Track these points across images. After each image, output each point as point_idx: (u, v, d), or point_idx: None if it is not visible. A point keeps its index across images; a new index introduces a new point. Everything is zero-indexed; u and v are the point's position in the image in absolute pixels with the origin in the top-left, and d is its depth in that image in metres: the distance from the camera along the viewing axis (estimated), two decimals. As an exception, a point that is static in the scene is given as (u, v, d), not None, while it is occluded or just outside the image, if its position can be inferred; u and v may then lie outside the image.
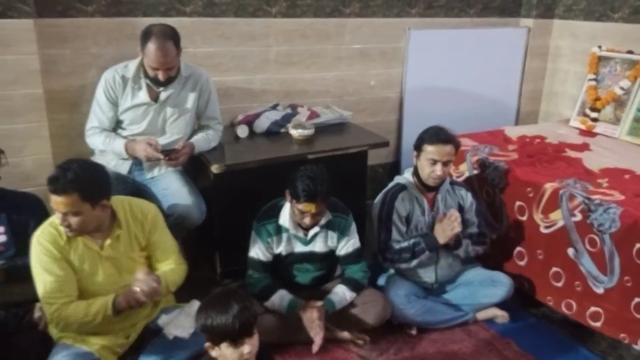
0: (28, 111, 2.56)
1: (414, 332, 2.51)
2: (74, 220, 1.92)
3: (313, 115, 3.18)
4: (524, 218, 2.67)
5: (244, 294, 1.71)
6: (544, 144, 3.11)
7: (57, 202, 1.89)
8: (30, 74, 2.53)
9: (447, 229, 2.45)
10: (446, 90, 3.80)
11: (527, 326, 2.60)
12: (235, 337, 1.60)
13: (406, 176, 2.66)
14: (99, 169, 2.04)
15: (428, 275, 2.61)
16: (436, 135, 2.47)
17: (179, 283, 2.23)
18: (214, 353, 1.66)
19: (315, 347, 2.27)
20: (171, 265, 2.21)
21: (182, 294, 2.32)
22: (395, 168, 3.82)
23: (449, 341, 2.47)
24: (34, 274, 2.00)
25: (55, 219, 2.03)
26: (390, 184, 2.67)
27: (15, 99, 2.52)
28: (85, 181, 1.90)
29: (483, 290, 2.58)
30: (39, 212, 2.32)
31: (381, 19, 3.51)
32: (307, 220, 2.30)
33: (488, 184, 2.85)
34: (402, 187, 2.60)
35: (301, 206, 2.24)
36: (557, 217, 2.50)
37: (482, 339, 2.48)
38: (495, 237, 2.81)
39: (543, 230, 2.57)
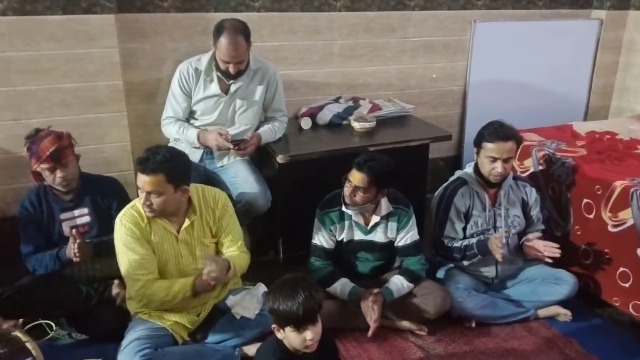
0: (110, 101, 2.75)
1: (472, 325, 2.52)
2: (156, 201, 2.06)
3: (375, 108, 3.23)
4: (591, 216, 2.61)
5: (311, 281, 1.78)
6: (615, 140, 3.01)
7: (144, 181, 2.03)
8: (112, 67, 2.71)
9: (497, 248, 2.39)
10: (512, 84, 3.73)
11: (591, 326, 2.54)
12: (298, 323, 1.68)
13: (467, 171, 2.65)
14: (184, 155, 2.20)
15: (488, 271, 2.60)
16: (495, 132, 2.44)
17: (244, 269, 2.36)
18: (279, 335, 1.75)
19: (370, 332, 2.32)
20: (236, 252, 2.32)
21: (248, 278, 2.47)
22: (457, 162, 3.81)
23: (509, 337, 2.46)
24: (118, 254, 2.17)
25: (137, 202, 2.20)
26: (451, 178, 2.67)
27: (98, 90, 2.71)
28: (171, 164, 2.05)
29: (546, 288, 2.55)
30: (120, 195, 2.50)
31: (446, 12, 3.49)
32: (346, 190, 2.35)
33: (554, 181, 2.80)
34: (462, 182, 2.60)
35: (350, 174, 2.31)
36: (627, 216, 2.43)
37: (543, 337, 2.46)
38: (560, 234, 2.76)
39: (611, 229, 2.51)
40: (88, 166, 2.52)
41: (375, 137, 2.97)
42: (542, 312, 2.57)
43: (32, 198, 2.39)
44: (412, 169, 2.95)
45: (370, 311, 2.34)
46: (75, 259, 2.28)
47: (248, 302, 2.28)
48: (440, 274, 2.65)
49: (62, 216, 2.41)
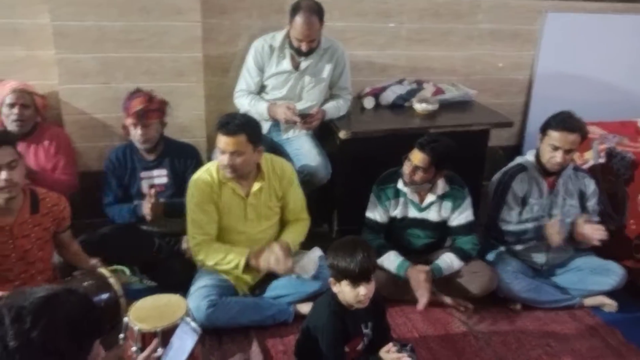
0: (189, 72, 2.96)
1: (517, 307, 2.59)
2: (237, 161, 2.25)
3: (438, 91, 3.30)
4: (647, 211, 2.60)
5: (369, 246, 1.94)
6: (680, 139, 2.96)
7: (227, 142, 2.22)
8: (194, 40, 2.90)
9: (555, 233, 2.45)
10: (579, 77, 3.69)
11: (635, 318, 2.56)
12: (354, 278, 1.84)
13: (528, 157, 2.69)
14: (257, 120, 2.39)
15: (539, 257, 2.65)
16: (563, 122, 2.47)
17: (303, 238, 2.54)
18: (335, 288, 1.92)
19: (419, 306, 2.43)
20: (298, 222, 2.53)
21: (303, 246, 2.63)
22: (516, 151, 3.79)
23: (552, 321, 2.52)
24: (187, 211, 2.40)
25: (210, 166, 2.41)
26: (511, 164, 2.72)
27: (180, 61, 2.92)
28: (250, 125, 2.27)
29: (594, 278, 2.58)
30: (196, 160, 2.73)
31: (518, 0, 3.49)
32: (406, 169, 2.44)
33: (612, 174, 2.80)
34: (522, 168, 2.64)
35: (411, 154, 2.42)
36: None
37: (586, 324, 2.50)
38: (614, 228, 2.76)
39: (667, 226, 2.50)
40: (165, 131, 2.75)
41: (436, 120, 3.05)
42: (588, 301, 2.61)
43: (119, 153, 2.66)
44: (470, 155, 2.97)
45: (420, 286, 2.43)
46: (148, 218, 2.53)
47: (305, 264, 2.46)
48: (491, 256, 2.72)
49: (143, 174, 2.67)
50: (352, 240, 1.93)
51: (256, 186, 2.39)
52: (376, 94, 3.26)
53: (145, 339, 1.74)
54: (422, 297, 2.42)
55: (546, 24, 3.54)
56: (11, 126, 2.54)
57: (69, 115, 2.88)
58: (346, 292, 1.88)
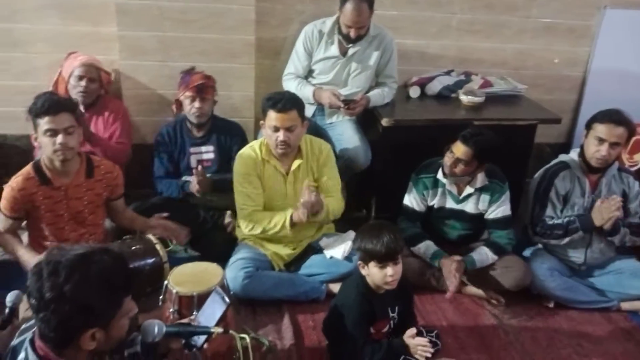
0: (242, 54, 3.06)
1: (551, 305, 2.57)
2: (291, 136, 2.36)
3: (486, 84, 3.26)
4: (694, 217, 2.51)
5: (395, 227, 1.99)
6: None
7: (283, 119, 2.33)
8: (247, 23, 3.00)
9: (605, 212, 2.42)
10: (635, 76, 3.55)
11: (674, 327, 2.50)
12: (381, 259, 1.90)
13: (572, 155, 2.65)
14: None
15: (577, 256, 2.61)
16: (609, 115, 2.43)
17: (337, 214, 2.60)
18: (363, 271, 1.98)
19: (448, 295, 2.45)
20: (333, 198, 2.57)
21: (339, 229, 2.71)
22: (564, 150, 3.64)
23: (586, 321, 2.49)
24: (234, 185, 2.51)
25: (254, 143, 2.52)
26: (554, 161, 2.69)
27: (233, 43, 3.03)
28: (298, 100, 2.41)
29: (633, 282, 2.53)
30: (242, 138, 2.86)
31: (576, -6, 3.40)
32: (447, 160, 2.44)
33: (663, 177, 2.71)
34: (565, 166, 2.61)
35: (453, 146, 2.42)
36: None
37: (621, 328, 2.46)
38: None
39: None
40: (216, 110, 2.88)
41: (481, 112, 3.03)
42: (625, 305, 2.56)
43: (170, 129, 2.81)
44: (515, 150, 2.93)
45: (451, 276, 2.45)
46: (196, 194, 2.67)
47: (339, 245, 2.53)
48: (527, 252, 2.70)
49: (192, 150, 2.81)
50: (378, 223, 2.00)
51: (295, 164, 2.48)
52: (423, 83, 3.27)
53: (182, 301, 1.86)
54: (452, 285, 2.43)
55: (604, 20, 3.42)
56: (75, 97, 2.71)
57: (128, 90, 3.04)
58: (374, 273, 1.94)
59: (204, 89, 2.68)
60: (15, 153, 3.09)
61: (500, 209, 2.56)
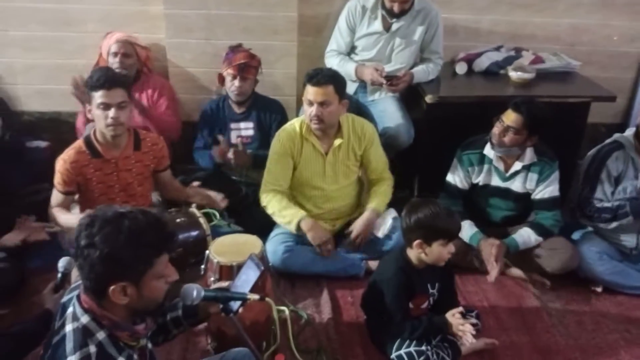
0: (284, 31, 3.06)
1: (599, 289, 2.49)
2: (325, 112, 2.34)
3: (537, 60, 3.14)
4: None
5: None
6: None
7: (316, 93, 2.31)
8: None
9: None
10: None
11: None
12: (451, 237, 1.90)
13: (627, 135, 2.53)
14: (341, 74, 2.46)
15: (629, 240, 2.51)
16: None
17: (389, 198, 2.59)
18: (419, 250, 1.93)
19: (489, 279, 2.39)
20: (382, 182, 2.58)
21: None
22: (620, 130, 3.44)
23: (635, 307, 2.40)
24: (268, 161, 2.53)
25: (295, 120, 2.52)
26: (608, 140, 2.58)
27: (276, 20, 3.03)
28: (337, 77, 2.37)
29: (689, 268, 2.40)
30: (282, 116, 2.89)
31: (634, -34, 3.20)
32: (496, 130, 2.38)
33: None
34: (619, 146, 2.49)
35: (504, 115, 2.35)
36: None
37: (675, 315, 2.36)
38: None
39: None
40: (258, 87, 2.90)
41: (531, 89, 2.92)
42: (680, 292, 2.44)
43: (213, 105, 2.88)
44: (566, 129, 2.80)
45: (491, 261, 2.38)
46: (235, 165, 2.71)
47: (379, 223, 2.52)
48: (576, 235, 2.61)
49: (232, 125, 2.86)
50: (432, 201, 1.97)
51: (336, 143, 2.46)
52: (470, 59, 3.17)
53: (222, 271, 1.91)
54: (493, 270, 2.37)
55: (667, -8, 3.21)
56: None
57: (174, 68, 3.11)
58: (437, 251, 1.92)
59: (246, 68, 2.69)
60: (69, 129, 3.23)
61: (549, 189, 2.47)
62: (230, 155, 2.68)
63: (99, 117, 2.17)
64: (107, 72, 2.21)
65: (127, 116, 2.21)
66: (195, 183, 2.57)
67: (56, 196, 2.32)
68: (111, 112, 2.14)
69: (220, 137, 2.75)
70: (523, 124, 2.32)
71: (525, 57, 3.16)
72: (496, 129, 2.40)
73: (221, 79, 2.80)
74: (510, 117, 2.34)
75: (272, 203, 2.47)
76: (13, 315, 2.13)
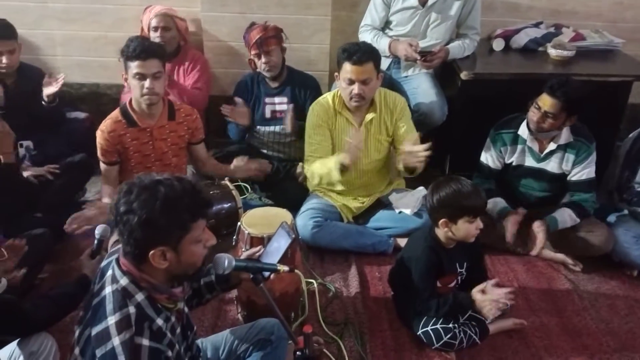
0: (318, 5, 3.03)
1: (634, 274, 2.43)
2: (366, 89, 2.33)
3: (578, 37, 3.04)
4: None
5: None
6: None
7: (358, 71, 2.29)
8: (324, -27, 2.97)
9: None
10: None
11: None
12: (477, 213, 1.87)
13: (671, 116, 2.44)
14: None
15: (668, 224, 2.44)
16: None
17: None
18: (446, 229, 1.92)
19: (533, 252, 2.36)
20: None
21: (413, 184, 2.66)
22: None
23: (672, 293, 2.34)
24: (306, 135, 2.54)
25: (328, 95, 2.52)
26: (650, 122, 2.49)
27: (309, -7, 3.02)
28: (375, 52, 2.35)
29: None
30: (316, 91, 2.87)
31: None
32: (532, 116, 2.32)
33: None
34: (662, 128, 2.41)
35: (539, 99, 2.29)
36: None
37: None
38: None
39: None
40: (292, 62, 2.89)
41: (570, 67, 2.83)
42: None
43: (247, 80, 2.89)
44: (605, 109, 2.74)
45: (511, 229, 2.35)
46: (288, 129, 2.77)
47: (408, 200, 2.51)
48: (612, 218, 2.54)
49: (266, 100, 2.86)
50: (455, 179, 1.94)
51: (369, 117, 2.45)
52: (508, 36, 3.09)
53: (253, 242, 1.94)
54: (539, 243, 2.33)
55: None
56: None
57: (209, 42, 3.14)
58: (463, 229, 1.90)
59: (264, 41, 2.65)
60: (107, 101, 3.31)
61: (586, 171, 2.41)
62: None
63: (134, 87, 2.22)
64: (143, 42, 2.23)
65: (162, 86, 2.25)
66: (241, 157, 2.62)
67: (103, 170, 2.40)
68: (147, 83, 2.18)
69: (238, 100, 2.78)
70: (561, 108, 2.24)
71: (565, 34, 3.06)
72: (533, 115, 2.33)
73: (253, 64, 2.80)
74: (546, 103, 2.26)
75: (315, 169, 2.44)
76: (52, 280, 2.22)
